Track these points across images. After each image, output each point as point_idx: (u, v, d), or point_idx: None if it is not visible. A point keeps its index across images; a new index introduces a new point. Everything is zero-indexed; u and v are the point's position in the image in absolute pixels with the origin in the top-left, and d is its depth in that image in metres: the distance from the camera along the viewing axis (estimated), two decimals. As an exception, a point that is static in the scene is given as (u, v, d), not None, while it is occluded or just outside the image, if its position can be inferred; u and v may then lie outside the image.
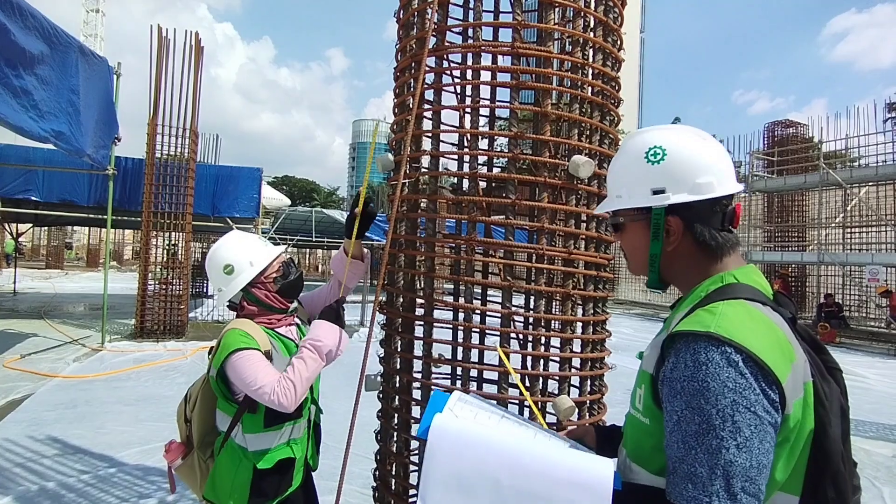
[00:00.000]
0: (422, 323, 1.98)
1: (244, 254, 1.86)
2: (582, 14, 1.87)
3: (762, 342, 0.84)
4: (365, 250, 2.13)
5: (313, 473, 2.07)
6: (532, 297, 1.99)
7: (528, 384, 1.91)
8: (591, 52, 1.92)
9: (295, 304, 1.99)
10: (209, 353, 1.91)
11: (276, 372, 1.74)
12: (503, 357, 1.68)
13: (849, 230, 15.27)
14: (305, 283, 2.00)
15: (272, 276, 1.88)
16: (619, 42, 2.00)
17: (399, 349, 2.04)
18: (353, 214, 1.95)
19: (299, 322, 2.03)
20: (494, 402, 1.19)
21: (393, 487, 2.05)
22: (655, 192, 1.01)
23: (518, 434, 0.98)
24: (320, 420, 2.07)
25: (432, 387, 1.94)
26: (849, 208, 14.74)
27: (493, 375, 1.96)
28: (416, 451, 2.08)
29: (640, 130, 1.10)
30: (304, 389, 1.70)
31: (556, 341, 1.98)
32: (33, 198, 9.83)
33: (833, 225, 15.31)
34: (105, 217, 8.76)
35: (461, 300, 1.94)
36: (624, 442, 1.07)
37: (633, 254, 1.09)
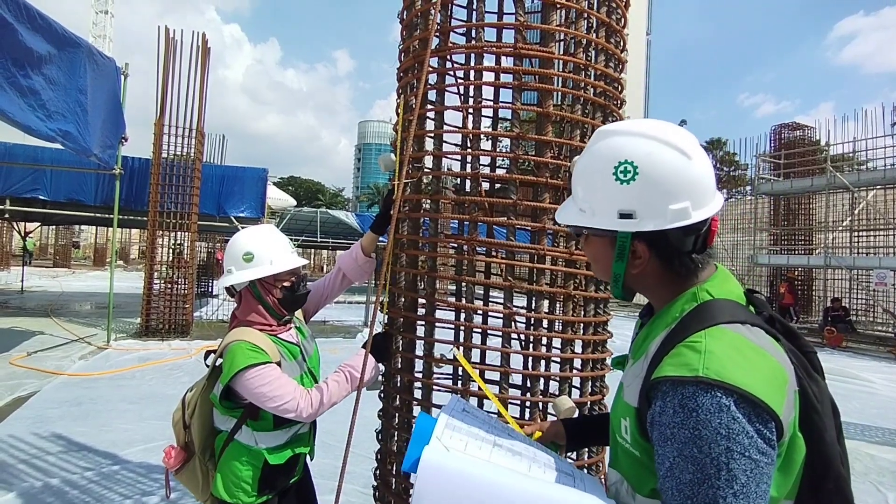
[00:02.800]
0: (423, 322, 1.98)
1: (269, 250, 1.85)
2: (585, 15, 1.87)
3: (754, 377, 0.79)
4: (372, 255, 2.16)
5: (313, 472, 2.11)
6: (534, 298, 1.99)
7: (528, 384, 1.91)
8: (593, 53, 1.92)
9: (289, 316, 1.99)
10: (205, 358, 1.91)
11: (294, 384, 1.78)
12: (460, 358, 1.70)
13: (856, 234, 15.16)
14: (308, 283, 2.03)
15: (283, 283, 1.88)
16: (622, 43, 2.00)
17: (400, 348, 2.05)
18: (387, 209, 1.96)
19: (297, 324, 2.05)
20: (481, 412, 1.16)
21: (393, 487, 2.05)
22: (623, 216, 0.90)
23: (513, 468, 0.92)
24: None
25: (433, 386, 1.94)
26: (856, 212, 14.64)
27: (495, 376, 1.96)
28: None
29: (612, 129, 0.96)
30: (327, 409, 1.82)
31: (557, 342, 1.98)
32: (41, 197, 9.92)
33: (840, 228, 15.22)
34: (112, 216, 8.83)
35: (463, 300, 1.95)
36: (613, 464, 1.03)
37: (595, 265, 1.03)
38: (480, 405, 2.27)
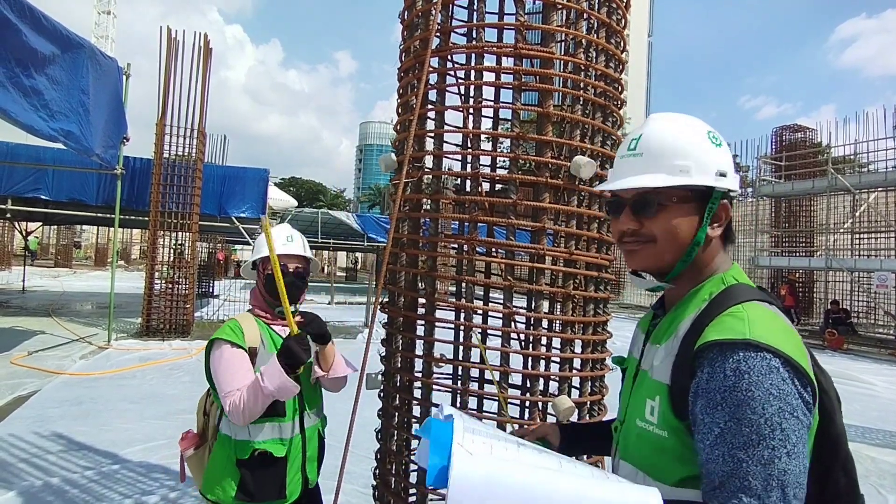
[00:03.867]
0: (423, 322, 1.99)
1: (264, 243, 1.91)
2: (585, 16, 1.88)
3: (791, 344, 0.83)
4: (343, 362, 2.01)
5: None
6: (533, 298, 1.99)
7: (528, 384, 1.91)
8: (593, 53, 1.92)
9: (294, 308, 1.90)
10: None
11: (246, 380, 1.73)
12: (482, 350, 1.69)
13: (857, 236, 15.15)
14: (311, 284, 2.01)
15: (266, 271, 1.93)
16: (622, 44, 2.00)
17: (400, 348, 2.05)
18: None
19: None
20: (490, 422, 1.10)
21: (393, 486, 2.06)
22: (720, 174, 0.95)
23: (546, 466, 0.83)
24: (324, 432, 2.03)
25: (433, 386, 1.94)
26: (857, 214, 14.63)
27: (495, 375, 1.96)
28: (416, 451, 2.08)
29: (674, 115, 1.02)
30: (249, 417, 1.71)
31: (556, 342, 1.98)
32: (43, 197, 9.93)
33: (841, 230, 15.21)
34: (113, 216, 8.84)
35: (462, 300, 1.95)
36: (625, 455, 1.02)
37: (671, 237, 0.96)
38: (480, 405, 2.27)
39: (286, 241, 1.97)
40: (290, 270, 1.93)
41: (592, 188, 1.88)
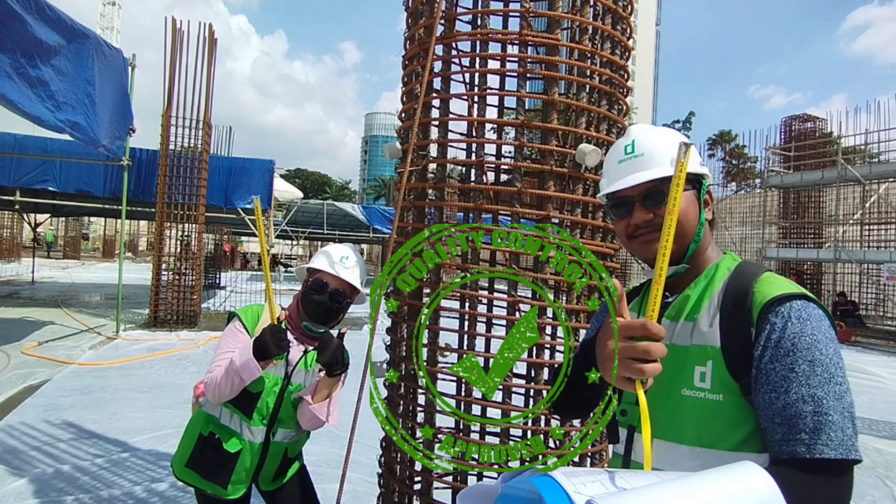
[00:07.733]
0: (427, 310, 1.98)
1: (320, 252, 1.93)
2: (591, 2, 1.85)
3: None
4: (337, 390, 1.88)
5: (320, 462, 2.08)
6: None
7: (532, 373, 1.91)
8: (599, 40, 1.90)
9: (323, 329, 1.87)
10: None
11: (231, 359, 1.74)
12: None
13: (867, 227, 14.99)
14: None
15: (307, 283, 1.86)
16: (628, 30, 1.98)
17: (405, 337, 2.05)
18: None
19: (309, 361, 1.91)
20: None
21: (398, 474, 2.07)
22: (700, 164, 1.08)
23: (654, 482, 0.78)
24: (294, 457, 1.99)
25: (437, 375, 1.94)
26: (867, 205, 14.47)
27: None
28: (421, 439, 2.09)
29: (647, 125, 1.15)
30: (219, 395, 1.72)
31: (561, 331, 1.98)
32: (51, 188, 9.99)
33: (851, 222, 15.05)
34: (120, 208, 8.89)
35: (467, 288, 1.95)
36: (664, 433, 1.00)
37: (685, 219, 1.03)
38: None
39: (340, 260, 1.85)
40: (328, 289, 1.80)
41: (597, 176, 1.87)
